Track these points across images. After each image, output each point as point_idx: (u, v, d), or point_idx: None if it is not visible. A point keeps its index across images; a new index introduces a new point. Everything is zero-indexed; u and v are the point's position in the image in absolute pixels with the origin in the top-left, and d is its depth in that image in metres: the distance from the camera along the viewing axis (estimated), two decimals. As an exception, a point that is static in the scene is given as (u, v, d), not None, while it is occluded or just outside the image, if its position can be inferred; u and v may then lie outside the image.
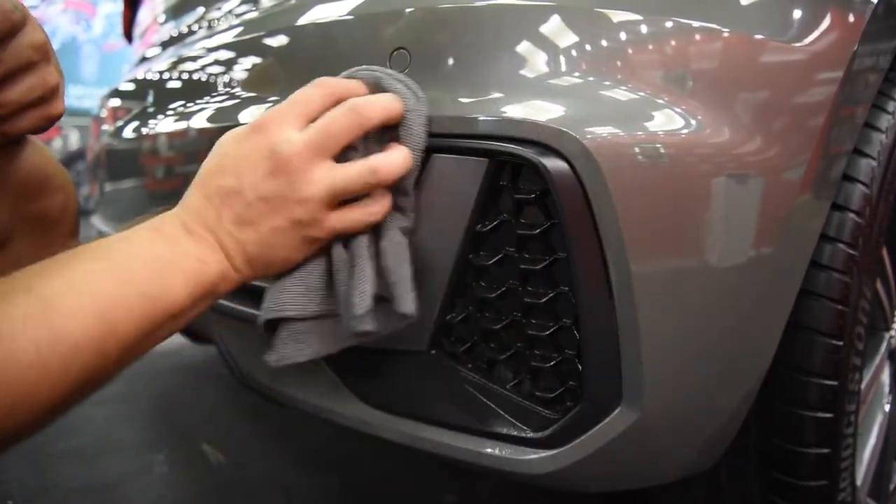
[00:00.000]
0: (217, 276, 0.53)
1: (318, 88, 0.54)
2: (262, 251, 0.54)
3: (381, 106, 0.53)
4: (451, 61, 0.57)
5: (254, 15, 0.87)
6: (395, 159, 0.53)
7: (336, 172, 0.52)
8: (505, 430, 0.60)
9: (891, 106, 0.75)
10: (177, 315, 0.51)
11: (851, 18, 0.66)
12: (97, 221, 1.47)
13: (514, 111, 0.54)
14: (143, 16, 1.49)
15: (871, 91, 0.70)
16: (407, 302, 0.53)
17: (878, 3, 0.68)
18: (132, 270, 0.49)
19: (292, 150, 0.52)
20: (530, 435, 0.60)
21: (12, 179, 0.83)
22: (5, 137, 0.65)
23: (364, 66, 0.58)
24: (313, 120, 0.53)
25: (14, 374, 0.41)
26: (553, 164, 0.52)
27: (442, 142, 0.56)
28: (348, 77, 0.57)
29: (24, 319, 0.43)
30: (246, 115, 0.74)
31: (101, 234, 1.38)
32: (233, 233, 0.53)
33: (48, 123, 0.67)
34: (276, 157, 0.52)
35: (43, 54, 0.62)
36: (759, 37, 0.58)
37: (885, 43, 0.72)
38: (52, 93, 0.65)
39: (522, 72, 0.55)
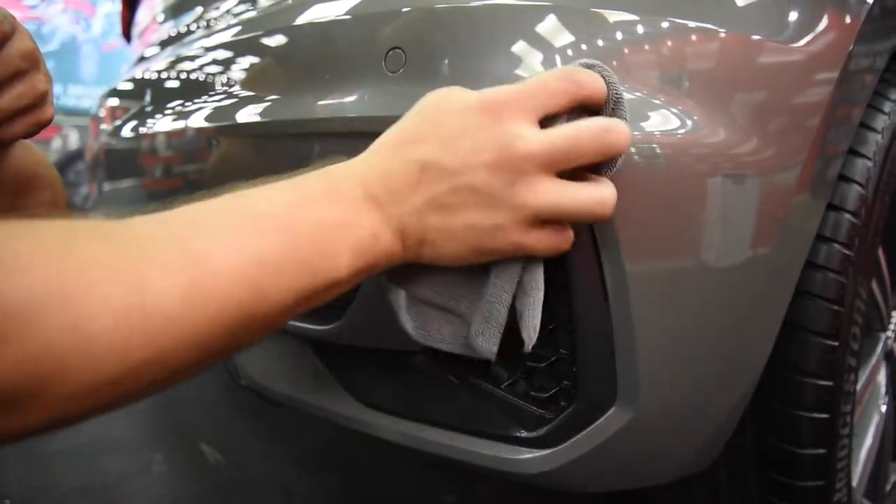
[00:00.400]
0: (385, 254, 0.47)
1: (566, 83, 0.46)
2: (441, 241, 0.47)
3: (626, 139, 0.47)
4: (446, 61, 0.57)
5: (252, 14, 0.87)
6: (609, 200, 0.47)
7: (565, 192, 0.46)
8: (500, 430, 0.61)
9: (887, 106, 0.75)
10: (332, 288, 0.45)
11: (847, 19, 0.66)
12: (96, 221, 1.47)
13: (509, 111, 0.54)
14: (142, 15, 1.49)
15: (867, 91, 0.71)
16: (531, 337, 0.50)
17: (873, 3, 0.68)
18: (298, 233, 0.43)
19: (528, 151, 0.45)
20: (525, 434, 0.60)
21: (1, 176, 0.83)
22: None
23: (600, 65, 0.49)
24: (549, 116, 0.47)
25: (154, 333, 0.36)
26: (548, 164, 0.52)
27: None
28: (590, 69, 0.48)
29: (168, 269, 0.37)
30: (244, 115, 0.74)
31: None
32: (422, 213, 0.47)
33: (38, 129, 0.68)
34: (508, 151, 0.45)
35: (32, 62, 0.62)
36: (755, 37, 0.58)
37: (881, 43, 0.72)
38: (42, 99, 0.65)
39: (518, 71, 0.55)
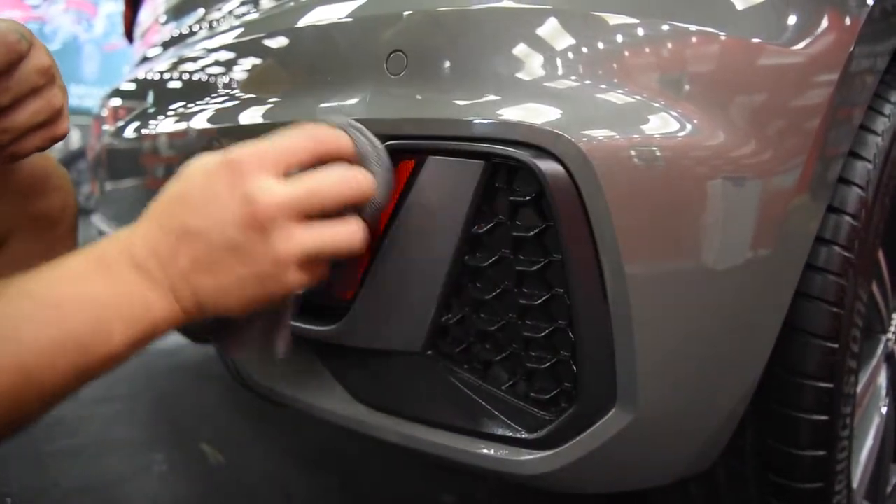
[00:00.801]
0: (161, 320, 0.49)
1: (307, 141, 0.51)
2: (217, 297, 0.50)
3: (365, 187, 0.52)
4: (447, 64, 0.58)
5: (254, 16, 0.87)
6: (357, 234, 0.52)
7: (317, 235, 0.50)
8: (500, 431, 0.61)
9: (887, 109, 0.76)
10: (109, 361, 0.46)
11: (847, 21, 0.66)
12: (97, 220, 1.47)
13: (510, 114, 0.54)
14: (145, 16, 1.50)
15: (867, 93, 0.71)
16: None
17: (874, 5, 0.68)
18: (65, 313, 0.44)
19: (272, 203, 0.48)
20: (525, 436, 0.60)
21: (12, 179, 0.83)
22: (14, 158, 0.65)
23: (340, 118, 0.56)
24: (291, 170, 0.50)
25: None
26: (548, 166, 0.53)
27: (438, 144, 0.57)
28: (327, 125, 0.54)
29: None
30: (246, 117, 0.74)
31: (102, 234, 1.38)
32: (188, 276, 0.49)
33: (53, 143, 0.68)
34: (253, 206, 0.47)
35: (48, 78, 0.62)
36: (755, 40, 0.58)
37: (882, 45, 0.72)
38: (58, 114, 0.65)
39: (518, 75, 0.55)
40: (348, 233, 0.51)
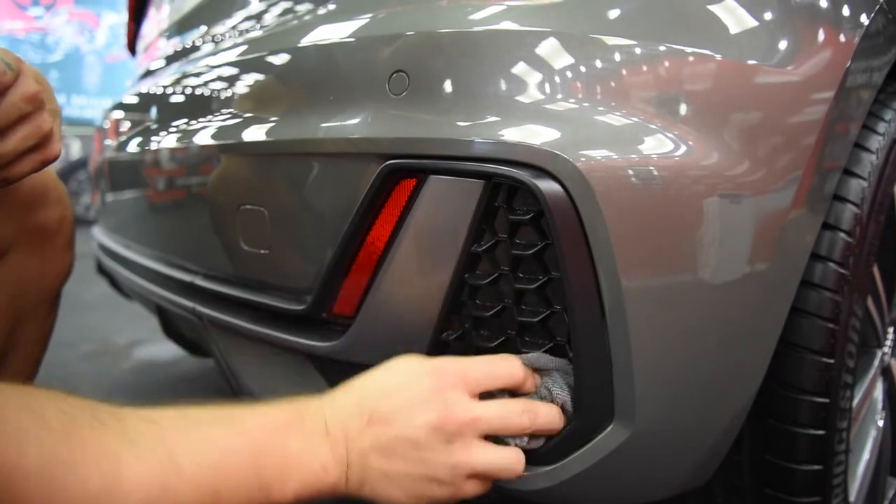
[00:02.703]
0: (329, 486, 0.53)
1: (507, 372, 0.57)
2: (381, 483, 0.53)
3: (550, 423, 0.57)
4: (448, 85, 0.59)
5: (257, 34, 0.88)
6: (520, 466, 0.56)
7: (494, 456, 0.54)
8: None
9: (881, 127, 0.76)
10: None
11: (843, 38, 0.67)
12: (98, 232, 1.48)
13: (509, 134, 0.55)
14: (148, 29, 1.51)
15: (864, 108, 0.72)
16: None
17: (870, 22, 0.69)
18: (263, 457, 0.49)
19: (465, 417, 0.53)
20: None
21: (11, 193, 0.84)
22: (6, 182, 0.67)
23: (547, 358, 0.59)
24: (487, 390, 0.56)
25: None
26: (547, 185, 0.54)
27: (439, 163, 0.58)
28: (533, 365, 0.58)
29: (147, 470, 0.43)
30: (248, 134, 0.75)
31: (101, 246, 1.39)
32: (366, 456, 0.53)
33: (44, 166, 0.69)
34: (447, 416, 0.53)
35: (36, 104, 0.64)
36: (751, 62, 0.59)
37: (878, 60, 0.73)
38: (47, 138, 0.67)
39: (518, 96, 0.56)
40: (515, 462, 0.56)
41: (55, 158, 0.69)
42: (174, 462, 0.45)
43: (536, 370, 0.59)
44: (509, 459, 0.55)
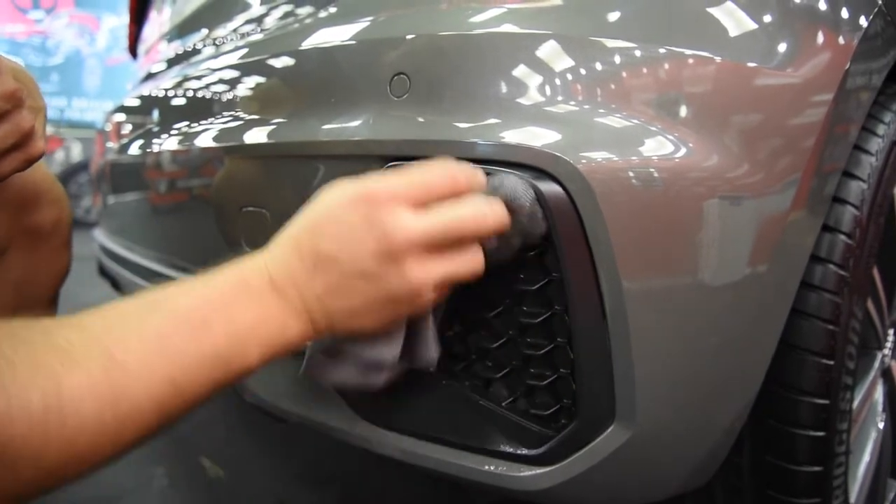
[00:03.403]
0: (294, 339, 0.51)
1: (443, 176, 0.52)
2: (349, 319, 0.52)
3: (502, 222, 0.52)
4: (449, 87, 0.59)
5: (258, 37, 0.89)
6: (480, 265, 0.54)
7: (446, 265, 0.52)
8: (500, 447, 0.61)
9: (880, 129, 0.77)
10: (244, 376, 0.49)
11: (842, 40, 0.68)
12: (99, 235, 1.48)
13: (510, 136, 0.55)
14: (149, 32, 1.52)
15: (863, 109, 0.72)
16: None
17: (869, 24, 0.70)
18: (211, 330, 0.47)
19: (408, 238, 0.49)
20: (525, 452, 0.61)
21: (6, 193, 0.84)
22: None
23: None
24: (425, 203, 0.52)
25: (71, 436, 0.39)
26: (547, 187, 0.54)
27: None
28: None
29: (90, 376, 0.41)
30: (250, 136, 0.75)
31: (103, 248, 1.39)
32: (323, 299, 0.51)
33: (27, 165, 0.69)
34: (389, 241, 0.49)
35: (14, 102, 0.63)
36: (751, 64, 0.60)
37: (877, 62, 0.74)
38: (28, 136, 0.66)
39: (519, 98, 0.56)
40: (474, 263, 0.53)
41: (39, 156, 0.69)
42: (114, 361, 0.42)
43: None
44: (464, 261, 0.53)
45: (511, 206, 0.53)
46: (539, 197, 0.54)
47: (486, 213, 0.52)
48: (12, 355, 0.39)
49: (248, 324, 0.49)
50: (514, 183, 0.54)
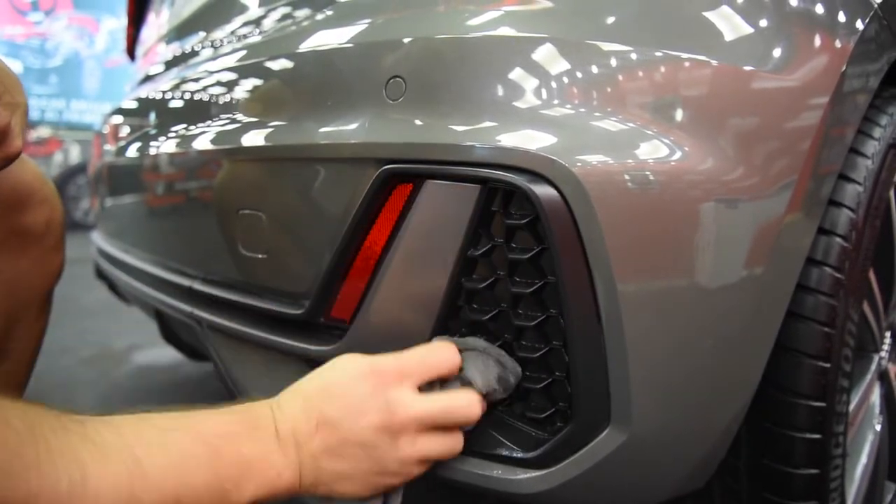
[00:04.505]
0: (283, 489, 0.54)
1: (445, 361, 0.58)
2: (334, 481, 0.55)
3: (480, 412, 0.58)
4: (445, 90, 0.59)
5: (255, 40, 0.89)
6: (459, 448, 0.59)
7: (437, 444, 0.57)
8: (496, 450, 0.61)
9: (876, 132, 0.77)
10: None
11: (838, 43, 0.68)
12: (96, 237, 1.48)
13: (506, 140, 0.55)
14: (147, 35, 1.52)
15: (859, 111, 0.72)
16: None
17: (865, 27, 0.70)
18: (222, 459, 0.50)
19: (407, 415, 0.54)
20: (521, 455, 0.61)
21: None
22: None
23: (474, 340, 0.61)
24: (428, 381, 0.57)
25: None
26: (543, 190, 0.54)
27: (436, 168, 0.58)
28: (464, 346, 0.60)
29: (115, 475, 0.44)
30: (247, 139, 0.75)
31: (100, 251, 1.39)
32: (317, 458, 0.54)
33: (6, 163, 0.68)
34: (391, 415, 0.54)
35: None
36: (747, 68, 0.60)
37: (873, 64, 0.74)
38: (4, 134, 0.65)
39: (515, 102, 0.56)
40: (455, 446, 0.59)
41: (16, 155, 0.68)
42: (139, 467, 0.46)
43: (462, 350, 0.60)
44: (450, 444, 0.58)
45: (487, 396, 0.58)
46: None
47: (476, 405, 0.57)
48: (53, 441, 0.43)
49: (251, 463, 0.52)
50: (488, 370, 0.59)
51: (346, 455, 0.54)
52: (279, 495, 0.55)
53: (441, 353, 0.58)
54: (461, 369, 0.59)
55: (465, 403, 0.57)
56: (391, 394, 0.55)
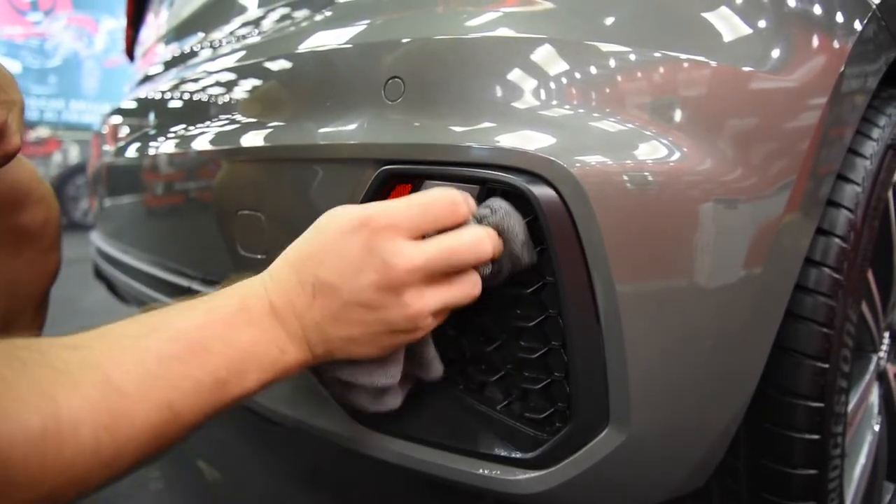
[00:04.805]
0: (293, 365, 0.51)
1: (443, 204, 0.52)
2: (347, 346, 0.52)
3: (497, 249, 0.53)
4: (444, 91, 0.59)
5: (254, 40, 0.89)
6: (477, 288, 0.54)
7: (447, 293, 0.52)
8: (495, 451, 0.61)
9: (875, 133, 0.77)
10: (241, 400, 0.49)
11: (836, 44, 0.68)
12: (95, 237, 1.48)
13: (505, 140, 0.55)
14: (146, 35, 1.52)
15: (857, 113, 0.72)
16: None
17: (863, 28, 0.70)
18: (210, 354, 0.47)
19: (406, 267, 0.49)
20: (520, 455, 0.61)
21: None
22: None
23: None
24: (424, 232, 0.52)
25: (69, 459, 0.39)
26: (541, 191, 0.54)
27: (434, 169, 0.58)
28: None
29: (88, 400, 0.40)
30: (246, 139, 0.75)
31: (99, 251, 1.39)
32: (322, 326, 0.51)
33: (5, 161, 0.67)
34: (388, 270, 0.49)
35: None
36: (745, 68, 0.60)
37: (872, 65, 0.74)
38: (1, 132, 0.65)
39: (514, 102, 0.56)
40: (471, 287, 0.53)
41: (14, 153, 0.67)
42: (112, 384, 0.42)
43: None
44: (464, 289, 0.53)
45: (503, 233, 0.54)
46: (532, 213, 0.54)
47: (483, 240, 0.52)
48: (10, 376, 0.39)
49: (246, 348, 0.48)
50: (506, 209, 0.54)
51: (351, 319, 0.50)
52: (290, 372, 0.51)
53: (439, 195, 0.52)
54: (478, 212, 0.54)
55: (471, 239, 0.51)
56: (385, 246, 0.49)
